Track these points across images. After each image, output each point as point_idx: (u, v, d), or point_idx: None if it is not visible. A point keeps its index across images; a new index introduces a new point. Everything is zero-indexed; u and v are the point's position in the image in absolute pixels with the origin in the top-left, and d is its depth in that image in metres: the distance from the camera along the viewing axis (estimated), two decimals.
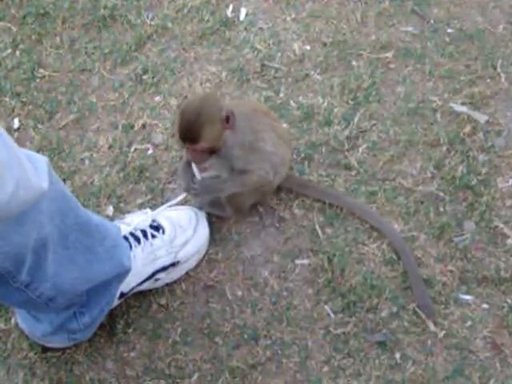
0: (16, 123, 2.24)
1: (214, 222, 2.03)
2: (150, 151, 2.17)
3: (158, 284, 1.93)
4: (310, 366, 1.83)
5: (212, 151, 1.77)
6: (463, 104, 2.21)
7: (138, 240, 1.85)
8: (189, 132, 1.72)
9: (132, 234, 1.85)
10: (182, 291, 1.95)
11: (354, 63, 2.32)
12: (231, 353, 1.86)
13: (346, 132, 2.15)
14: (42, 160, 1.42)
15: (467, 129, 2.15)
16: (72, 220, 1.56)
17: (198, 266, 1.97)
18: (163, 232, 1.90)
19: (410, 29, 2.39)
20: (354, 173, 2.10)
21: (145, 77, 2.31)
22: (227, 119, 1.74)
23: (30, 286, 1.54)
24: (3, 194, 1.23)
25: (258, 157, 1.85)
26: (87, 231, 1.62)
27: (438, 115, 2.19)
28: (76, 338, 1.83)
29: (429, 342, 1.85)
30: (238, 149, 1.80)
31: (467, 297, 1.91)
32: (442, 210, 2.03)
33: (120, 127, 2.21)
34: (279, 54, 2.34)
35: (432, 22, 2.40)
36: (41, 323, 1.78)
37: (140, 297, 1.93)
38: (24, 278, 1.50)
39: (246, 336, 1.88)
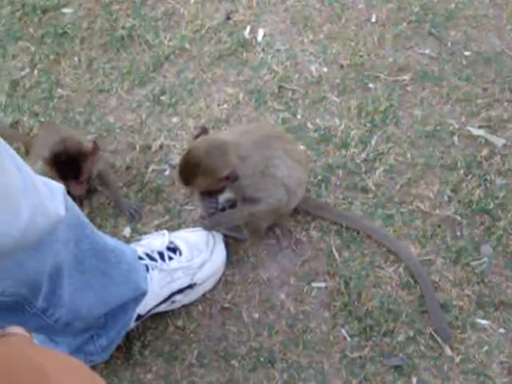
0: None
1: (231, 244, 2.03)
2: (167, 172, 2.18)
3: (175, 306, 1.92)
4: None
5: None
6: (480, 127, 2.20)
7: (155, 262, 1.85)
8: (183, 177, 1.78)
9: (149, 256, 1.85)
10: (199, 313, 1.94)
11: (371, 85, 2.32)
12: (247, 376, 1.85)
13: (363, 155, 2.16)
14: (58, 187, 1.42)
15: (484, 152, 2.15)
16: (87, 245, 1.56)
17: (214, 288, 1.97)
18: (180, 254, 1.90)
19: (427, 51, 2.40)
20: (370, 196, 2.09)
21: (162, 97, 2.33)
22: (227, 178, 1.75)
23: (47, 312, 1.54)
24: (20, 221, 1.22)
25: (270, 183, 1.85)
26: (103, 256, 1.62)
27: (455, 138, 2.19)
28: (93, 360, 1.82)
29: (445, 367, 1.84)
30: (248, 179, 1.80)
31: (484, 321, 1.90)
32: (458, 233, 2.02)
33: (137, 148, 2.22)
34: (296, 76, 2.35)
35: (449, 44, 2.41)
36: (58, 346, 1.78)
37: (157, 318, 1.93)
38: (40, 304, 1.49)
39: (262, 359, 1.87)
